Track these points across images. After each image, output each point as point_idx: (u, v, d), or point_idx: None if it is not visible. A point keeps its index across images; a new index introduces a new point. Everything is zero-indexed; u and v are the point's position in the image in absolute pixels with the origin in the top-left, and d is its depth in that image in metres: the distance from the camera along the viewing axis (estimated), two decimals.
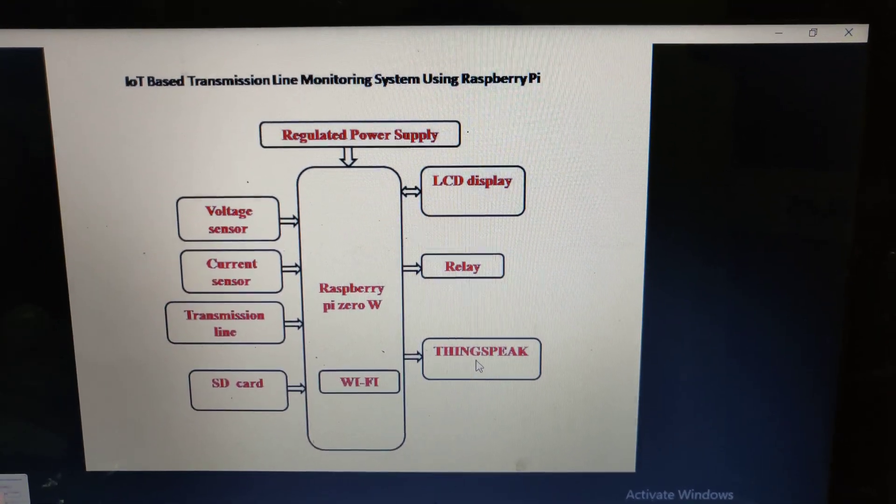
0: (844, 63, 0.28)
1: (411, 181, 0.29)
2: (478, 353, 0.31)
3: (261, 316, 0.31)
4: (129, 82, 0.29)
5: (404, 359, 0.31)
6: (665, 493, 0.32)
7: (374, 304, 0.31)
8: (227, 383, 0.31)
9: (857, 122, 0.29)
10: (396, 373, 0.31)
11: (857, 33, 0.28)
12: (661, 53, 0.28)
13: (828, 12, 0.28)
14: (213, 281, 0.30)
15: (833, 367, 0.31)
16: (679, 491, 0.32)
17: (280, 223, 0.30)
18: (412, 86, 0.29)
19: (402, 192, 0.29)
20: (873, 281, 0.30)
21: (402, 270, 0.30)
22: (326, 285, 0.30)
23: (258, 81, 0.29)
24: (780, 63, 0.28)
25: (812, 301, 0.30)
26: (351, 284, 0.30)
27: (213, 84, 0.29)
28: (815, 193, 0.29)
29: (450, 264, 0.30)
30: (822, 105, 0.29)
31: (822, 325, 0.30)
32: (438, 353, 0.31)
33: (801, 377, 0.31)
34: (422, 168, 0.29)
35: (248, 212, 0.30)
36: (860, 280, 0.30)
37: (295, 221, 0.30)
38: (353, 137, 0.29)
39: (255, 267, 0.30)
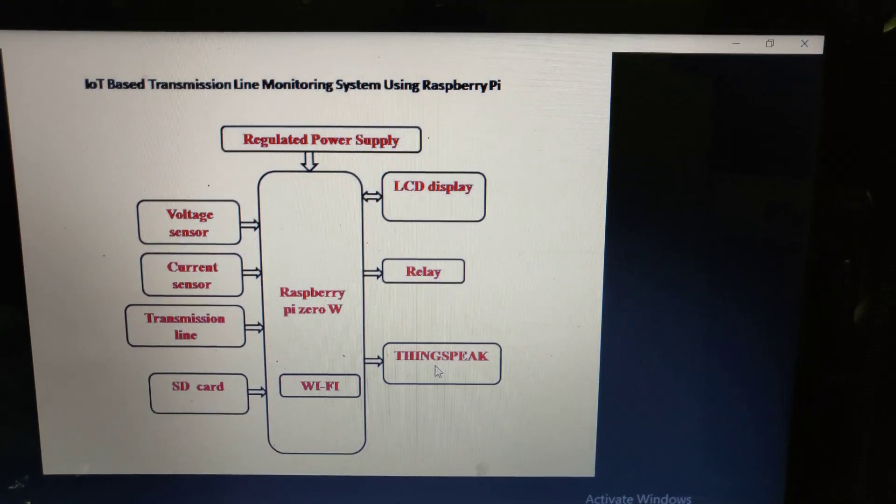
0: (800, 73, 0.28)
1: (372, 186, 0.29)
2: (438, 358, 0.31)
3: (221, 319, 0.31)
4: (88, 84, 0.29)
5: (365, 363, 0.31)
6: (624, 497, 0.32)
7: (335, 309, 0.31)
8: (188, 386, 0.31)
9: (813, 131, 0.29)
10: (357, 377, 0.31)
11: (813, 44, 0.28)
12: (621, 62, 0.28)
13: (784, 24, 0.28)
14: (174, 284, 0.30)
15: (790, 372, 0.31)
16: (638, 495, 0.32)
17: (241, 227, 0.30)
18: (373, 91, 0.29)
19: (363, 197, 0.30)
20: (829, 289, 0.30)
21: (363, 275, 0.30)
22: (287, 289, 0.30)
23: (219, 86, 0.29)
24: (737, 72, 0.28)
25: (769, 307, 0.31)
26: (312, 289, 0.30)
27: (174, 87, 0.29)
28: (772, 200, 0.30)
29: (410, 269, 0.30)
30: (779, 114, 0.29)
31: (780, 332, 0.31)
32: (399, 358, 0.31)
33: (759, 383, 0.31)
34: (383, 173, 0.29)
35: (209, 215, 0.30)
36: (816, 288, 0.30)
37: (256, 225, 0.30)
38: (314, 142, 0.29)
39: (215, 270, 0.30)
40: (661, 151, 0.29)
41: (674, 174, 0.29)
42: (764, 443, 0.32)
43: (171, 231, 0.30)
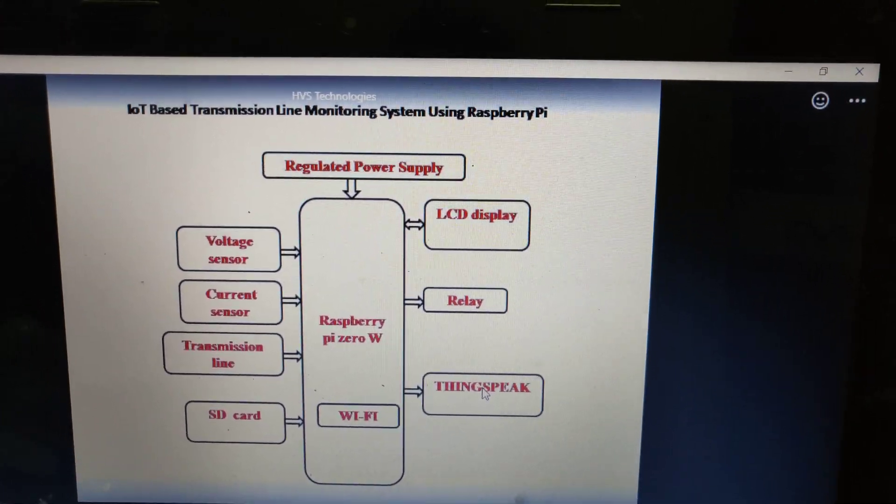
0: (855, 101, 0.28)
1: (415, 214, 0.29)
2: (479, 389, 0.30)
3: (260, 347, 0.30)
4: (131, 110, 0.28)
5: (404, 393, 0.31)
6: None
7: (375, 338, 0.30)
8: (224, 415, 0.31)
9: (867, 160, 0.28)
10: (396, 407, 0.31)
11: (868, 72, 0.28)
12: (670, 89, 0.28)
13: (838, 51, 0.28)
14: (212, 311, 0.30)
15: (838, 396, 0.30)
16: None
17: (281, 254, 0.29)
18: (417, 118, 0.28)
19: (405, 225, 0.29)
20: (879, 313, 0.30)
21: (404, 304, 0.30)
22: (327, 317, 0.30)
23: (262, 111, 0.28)
24: (790, 100, 0.28)
25: (818, 334, 0.30)
26: (352, 317, 0.30)
27: (216, 113, 0.28)
28: (823, 229, 0.29)
29: (452, 298, 0.30)
30: (833, 142, 0.28)
31: (828, 358, 0.30)
32: (439, 388, 0.31)
33: (810, 414, 0.30)
34: (426, 201, 0.29)
35: (249, 242, 0.29)
36: (866, 314, 0.29)
37: (296, 253, 0.29)
38: (356, 169, 0.29)
39: (254, 298, 0.30)
40: (710, 181, 0.29)
41: (722, 204, 0.29)
42: (812, 470, 0.31)
43: (210, 258, 0.30)
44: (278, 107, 0.28)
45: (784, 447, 0.31)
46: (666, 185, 0.29)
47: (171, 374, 0.30)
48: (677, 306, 0.30)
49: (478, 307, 0.30)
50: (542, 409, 0.31)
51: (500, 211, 0.29)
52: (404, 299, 0.30)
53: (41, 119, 0.28)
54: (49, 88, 0.28)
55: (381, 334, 0.30)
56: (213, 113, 0.28)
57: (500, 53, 0.28)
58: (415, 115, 0.28)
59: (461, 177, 0.29)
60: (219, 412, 0.31)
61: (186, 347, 0.30)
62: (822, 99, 0.28)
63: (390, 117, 0.28)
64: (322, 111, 0.28)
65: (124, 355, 0.30)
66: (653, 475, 0.31)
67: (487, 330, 0.30)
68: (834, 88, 0.28)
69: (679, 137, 0.28)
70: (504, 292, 0.30)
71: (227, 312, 0.30)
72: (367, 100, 0.28)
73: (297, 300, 0.30)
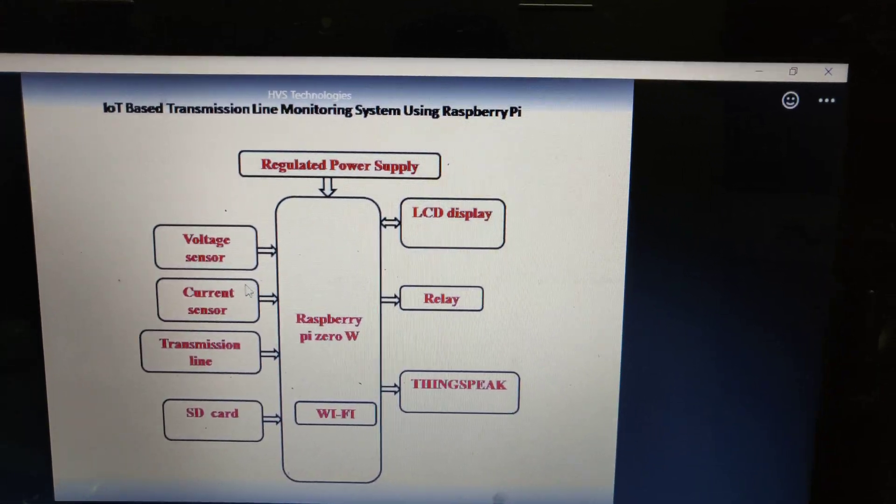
0: (824, 101, 0.28)
1: (391, 212, 0.29)
2: (455, 387, 0.31)
3: (237, 345, 0.30)
4: (107, 108, 0.28)
5: (381, 391, 0.31)
6: None
7: (352, 336, 0.30)
8: (202, 413, 0.31)
9: (837, 160, 0.29)
10: (373, 405, 0.31)
11: (837, 72, 0.28)
12: (643, 89, 0.28)
13: (808, 51, 0.28)
14: (190, 309, 0.30)
15: (813, 400, 0.30)
16: None
17: (258, 252, 0.30)
18: (393, 117, 0.28)
19: (381, 224, 0.29)
20: (852, 310, 0.30)
21: (381, 302, 0.30)
22: (304, 315, 0.30)
23: (237, 110, 0.28)
24: (760, 99, 0.28)
25: (793, 335, 0.30)
26: (328, 315, 0.30)
27: (193, 112, 0.28)
28: (795, 228, 0.29)
29: (429, 296, 0.30)
30: (803, 143, 0.29)
31: (804, 359, 0.30)
32: (416, 386, 0.31)
33: (782, 412, 0.31)
34: (402, 199, 0.29)
35: (226, 240, 0.30)
36: (838, 312, 0.30)
37: (273, 251, 0.30)
38: (332, 168, 0.29)
39: (231, 296, 0.30)
40: (683, 179, 0.29)
41: (695, 202, 0.29)
42: (788, 473, 0.31)
43: (187, 256, 0.30)
44: (254, 106, 0.28)
45: (759, 446, 0.31)
46: (639, 184, 0.29)
47: (149, 372, 0.31)
48: (652, 304, 0.30)
49: (454, 305, 0.30)
50: (518, 407, 0.31)
51: (475, 209, 0.29)
52: (381, 297, 0.30)
53: (16, 117, 0.28)
54: (24, 86, 0.28)
55: (357, 332, 0.30)
56: (189, 112, 0.28)
57: (475, 53, 0.28)
58: (390, 113, 0.28)
59: (437, 175, 0.29)
60: (196, 410, 0.31)
61: (164, 346, 0.30)
62: (793, 98, 0.28)
63: (366, 116, 0.28)
64: (298, 110, 0.28)
65: (101, 354, 0.30)
66: (629, 472, 0.31)
67: (464, 328, 0.30)
68: (804, 88, 0.28)
69: (652, 136, 0.28)
70: (480, 290, 0.30)
71: (204, 311, 0.30)
72: (343, 99, 0.28)
73: (275, 298, 0.30)
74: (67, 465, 0.31)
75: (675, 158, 0.29)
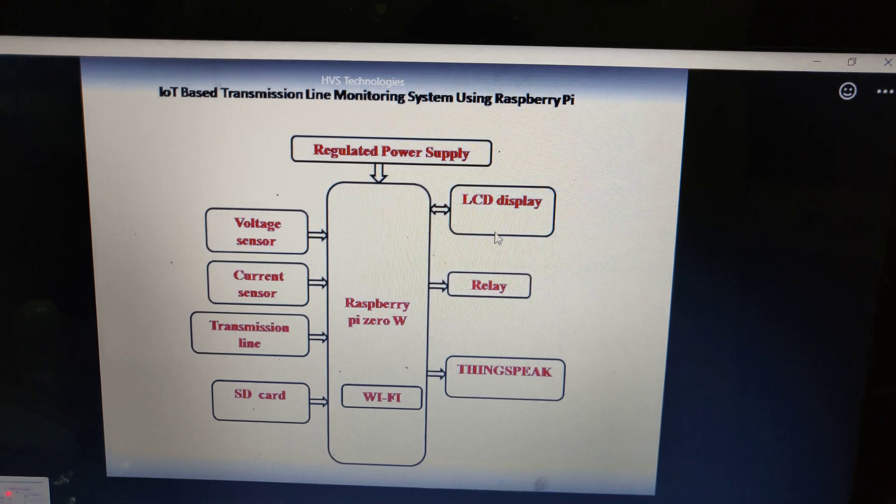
0: (883, 92, 0.28)
1: (441, 199, 0.29)
2: (501, 373, 0.31)
3: (286, 328, 0.31)
4: (163, 92, 0.29)
5: (427, 375, 0.31)
6: None
7: (399, 321, 0.30)
8: (250, 394, 0.31)
9: (892, 150, 0.28)
10: (419, 389, 0.31)
11: None
12: (696, 78, 0.28)
13: (867, 41, 0.28)
14: (240, 292, 0.30)
15: (858, 395, 0.30)
16: None
17: (308, 237, 0.30)
18: (445, 104, 0.29)
19: (431, 210, 0.29)
20: None
21: (429, 287, 0.30)
22: (352, 300, 0.30)
23: (291, 95, 0.29)
24: (818, 90, 0.28)
25: (839, 327, 0.30)
26: (377, 300, 0.30)
27: (247, 96, 0.29)
28: (845, 219, 0.29)
29: (476, 283, 0.30)
30: (861, 133, 0.28)
31: (849, 352, 0.30)
32: (462, 371, 0.31)
33: (826, 404, 0.31)
34: (452, 186, 0.29)
35: (277, 224, 0.30)
36: (888, 308, 0.30)
37: (323, 235, 0.30)
38: (384, 154, 0.29)
39: (281, 280, 0.30)
40: (735, 170, 0.29)
41: (746, 193, 0.29)
42: (830, 464, 0.31)
43: (238, 239, 0.30)
44: (308, 91, 0.29)
45: (801, 436, 0.31)
46: (691, 174, 0.29)
47: (199, 353, 0.31)
48: (699, 294, 0.30)
49: (501, 292, 0.30)
50: (564, 394, 0.31)
51: (525, 197, 0.29)
52: (429, 283, 0.30)
53: (75, 101, 0.29)
54: (83, 70, 0.29)
55: (405, 317, 0.30)
56: (243, 96, 0.29)
57: (529, 40, 0.28)
58: (442, 100, 0.28)
59: (487, 163, 0.29)
60: (244, 391, 0.31)
61: (214, 327, 0.31)
62: (850, 89, 0.28)
63: (418, 103, 0.29)
64: (351, 96, 0.29)
65: (153, 334, 0.31)
66: (671, 459, 0.31)
67: (510, 315, 0.30)
68: (862, 79, 0.28)
69: (705, 126, 0.28)
70: (528, 277, 0.30)
71: (254, 293, 0.30)
72: (396, 85, 0.28)
73: (324, 282, 0.30)
74: (119, 443, 0.32)
75: (727, 149, 0.29)
